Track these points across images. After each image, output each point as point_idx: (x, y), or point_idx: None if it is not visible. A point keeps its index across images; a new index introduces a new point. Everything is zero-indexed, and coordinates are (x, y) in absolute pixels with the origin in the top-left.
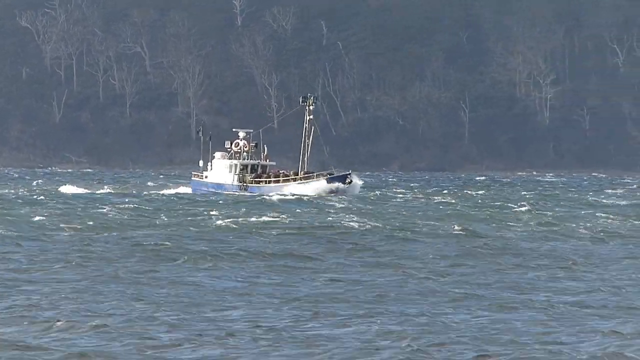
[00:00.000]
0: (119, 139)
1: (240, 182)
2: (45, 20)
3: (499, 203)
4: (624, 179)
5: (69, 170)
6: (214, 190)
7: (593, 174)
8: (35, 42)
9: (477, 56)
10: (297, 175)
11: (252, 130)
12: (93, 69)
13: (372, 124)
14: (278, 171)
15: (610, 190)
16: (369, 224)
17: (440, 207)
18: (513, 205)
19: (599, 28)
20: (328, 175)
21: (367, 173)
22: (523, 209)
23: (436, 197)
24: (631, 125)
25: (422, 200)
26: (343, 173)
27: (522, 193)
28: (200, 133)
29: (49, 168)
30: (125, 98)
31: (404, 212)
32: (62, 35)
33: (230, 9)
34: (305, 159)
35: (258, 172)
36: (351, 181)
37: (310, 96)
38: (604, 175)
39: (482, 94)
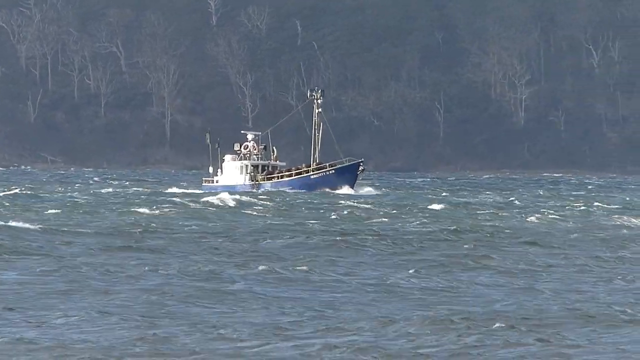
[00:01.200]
0: (94, 138)
1: (252, 181)
2: (21, 19)
3: (411, 202)
4: (585, 179)
5: (36, 170)
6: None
7: (556, 174)
8: (11, 41)
9: (452, 56)
10: (310, 167)
11: (260, 133)
12: (68, 68)
13: (347, 124)
14: (290, 168)
15: (549, 192)
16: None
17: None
18: (426, 205)
19: (574, 28)
20: (339, 166)
21: None
22: (434, 206)
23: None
24: (606, 126)
25: (341, 200)
26: (356, 161)
27: (444, 194)
28: (208, 140)
29: (11, 167)
30: (100, 98)
31: (309, 210)
32: (38, 34)
33: (205, 8)
34: (317, 152)
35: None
36: (364, 169)
37: (318, 89)
38: (569, 176)
39: (457, 95)
